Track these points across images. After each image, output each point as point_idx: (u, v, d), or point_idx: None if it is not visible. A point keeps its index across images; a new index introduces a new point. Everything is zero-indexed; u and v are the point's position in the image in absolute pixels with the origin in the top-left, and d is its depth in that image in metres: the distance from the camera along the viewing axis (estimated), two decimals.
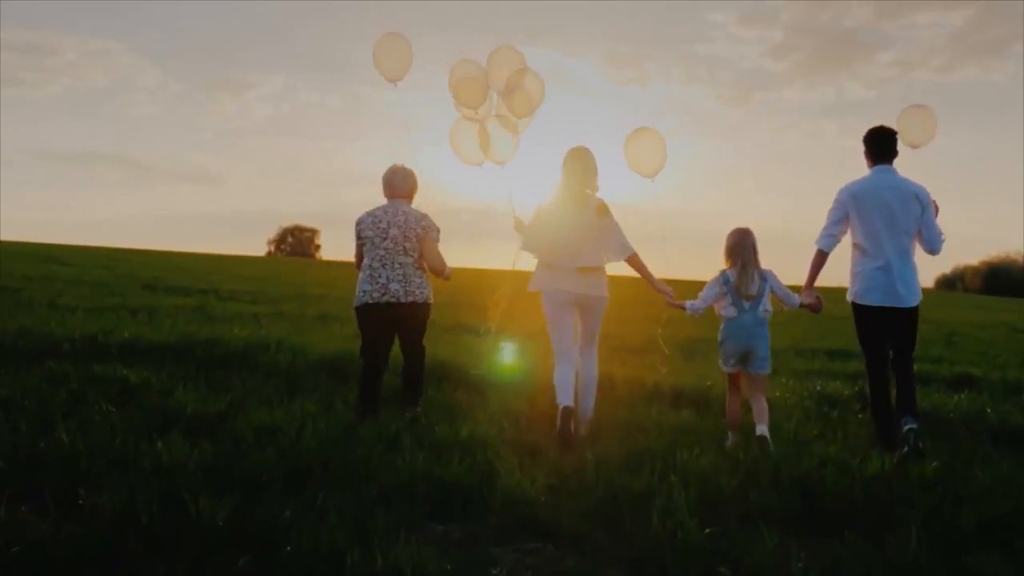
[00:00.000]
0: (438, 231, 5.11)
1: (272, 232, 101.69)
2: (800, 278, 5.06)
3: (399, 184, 5.12)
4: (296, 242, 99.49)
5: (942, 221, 4.89)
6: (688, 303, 4.97)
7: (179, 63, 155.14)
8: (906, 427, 4.60)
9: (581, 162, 4.95)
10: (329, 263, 64.61)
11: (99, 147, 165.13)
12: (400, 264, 4.91)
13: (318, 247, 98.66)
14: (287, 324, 10.16)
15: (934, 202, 4.86)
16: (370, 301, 4.90)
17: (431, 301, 5.09)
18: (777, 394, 6.19)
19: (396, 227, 4.95)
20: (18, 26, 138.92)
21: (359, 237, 5.05)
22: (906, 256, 4.76)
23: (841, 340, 13.25)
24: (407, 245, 4.93)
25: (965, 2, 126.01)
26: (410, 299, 4.91)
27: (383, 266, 4.90)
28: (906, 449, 4.44)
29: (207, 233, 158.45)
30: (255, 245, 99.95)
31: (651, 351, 9.76)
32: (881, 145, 4.85)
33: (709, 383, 6.22)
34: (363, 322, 4.99)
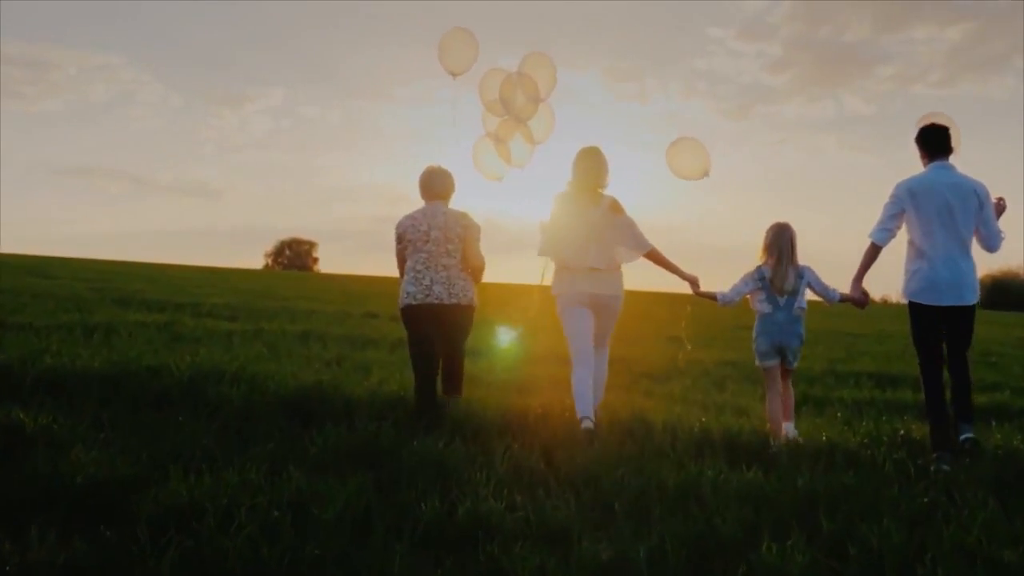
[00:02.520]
0: (479, 229, 5.04)
1: (270, 245, 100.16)
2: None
3: (436, 185, 5.07)
4: (294, 255, 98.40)
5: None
6: (719, 293, 4.93)
7: (180, 77, 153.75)
8: (963, 436, 4.57)
9: (593, 161, 4.93)
10: (325, 276, 63.43)
11: (100, 161, 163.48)
12: (444, 266, 4.90)
13: (316, 260, 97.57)
14: (262, 344, 8.95)
15: (1001, 199, 4.81)
16: (413, 303, 4.88)
17: (475, 304, 5.02)
18: (855, 439, 4.96)
19: (437, 229, 4.93)
20: (19, 41, 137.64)
21: (400, 241, 5.02)
22: (964, 253, 4.65)
23: (870, 362, 12.05)
24: (449, 247, 4.91)
25: (963, 17, 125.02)
26: (453, 301, 4.88)
27: (427, 268, 4.89)
28: (967, 460, 4.40)
29: (207, 246, 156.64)
30: (255, 258, 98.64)
31: (677, 377, 8.57)
32: (937, 140, 4.71)
33: (767, 427, 4.99)
34: (408, 323, 4.97)
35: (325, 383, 5.35)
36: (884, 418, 6.13)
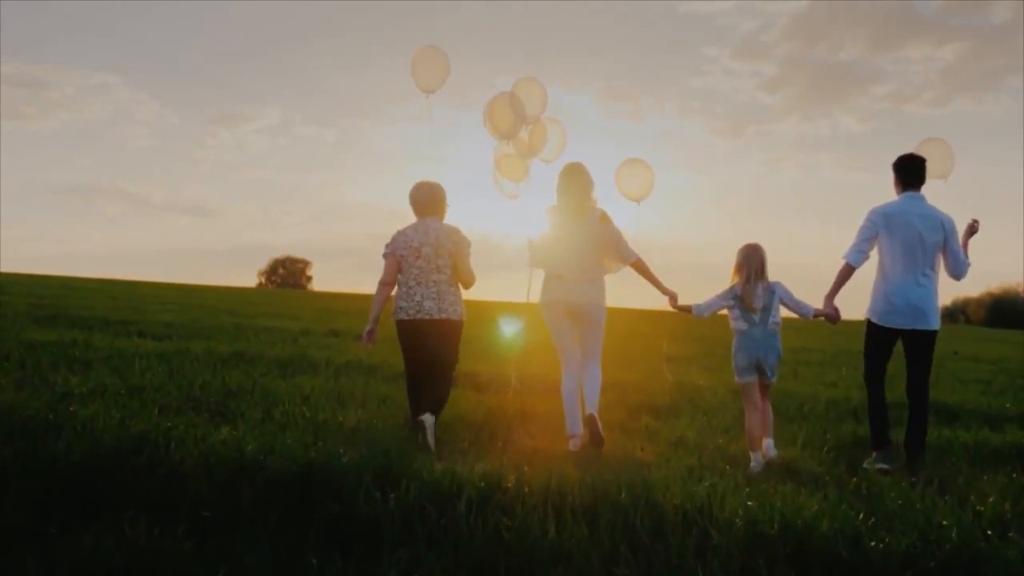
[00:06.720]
0: (469, 244, 5.07)
1: (265, 263, 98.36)
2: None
3: (426, 200, 5.07)
4: (287, 273, 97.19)
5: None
6: (694, 305, 5.10)
7: (177, 96, 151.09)
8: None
9: (578, 176, 5.08)
10: (310, 293, 61.46)
11: (97, 180, 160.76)
12: (434, 282, 4.92)
13: (310, 278, 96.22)
14: (165, 368, 7.15)
15: (976, 222, 5.01)
16: (405, 318, 4.92)
17: (464, 319, 5.05)
18: (977, 524, 3.12)
19: (428, 245, 4.94)
20: (17, 61, 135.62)
21: (391, 255, 5.00)
22: (928, 281, 4.83)
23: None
24: (440, 262, 4.93)
25: (958, 36, 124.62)
26: (443, 316, 4.90)
27: (418, 284, 4.91)
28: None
29: (204, 265, 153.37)
30: (252, 277, 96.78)
31: (686, 411, 6.75)
32: (911, 172, 4.93)
33: (848, 511, 3.10)
34: (401, 337, 5.00)
35: (154, 437, 3.46)
36: (989, 476, 4.34)
